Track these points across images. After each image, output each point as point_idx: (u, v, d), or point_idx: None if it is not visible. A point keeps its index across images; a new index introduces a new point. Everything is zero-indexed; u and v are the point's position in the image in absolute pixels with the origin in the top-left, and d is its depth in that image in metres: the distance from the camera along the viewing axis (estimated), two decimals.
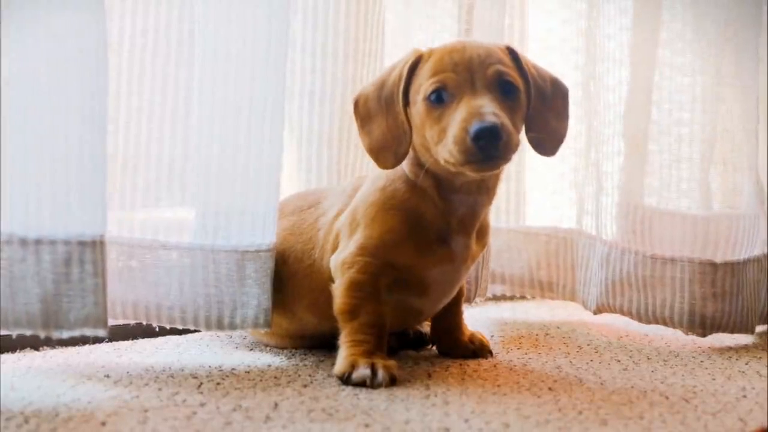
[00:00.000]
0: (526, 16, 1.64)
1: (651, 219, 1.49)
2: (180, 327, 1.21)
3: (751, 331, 1.46)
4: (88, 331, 1.04)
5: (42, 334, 1.03)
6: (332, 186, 1.37)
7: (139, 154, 1.21)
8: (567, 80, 1.59)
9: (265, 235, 1.20)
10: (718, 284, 1.42)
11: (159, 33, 1.21)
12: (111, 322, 1.27)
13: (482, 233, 1.21)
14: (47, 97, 1.03)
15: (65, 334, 1.04)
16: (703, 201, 1.50)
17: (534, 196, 1.71)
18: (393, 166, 1.13)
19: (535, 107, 1.14)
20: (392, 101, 1.13)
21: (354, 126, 1.20)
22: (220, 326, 1.19)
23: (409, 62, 1.12)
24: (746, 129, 1.50)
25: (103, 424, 0.90)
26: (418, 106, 1.10)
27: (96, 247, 1.05)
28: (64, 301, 1.03)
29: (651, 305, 1.45)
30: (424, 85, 1.09)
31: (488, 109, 1.04)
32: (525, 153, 1.66)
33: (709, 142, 1.50)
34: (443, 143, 1.06)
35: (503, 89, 1.08)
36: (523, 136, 1.14)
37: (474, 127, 1.02)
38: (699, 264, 1.42)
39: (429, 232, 1.14)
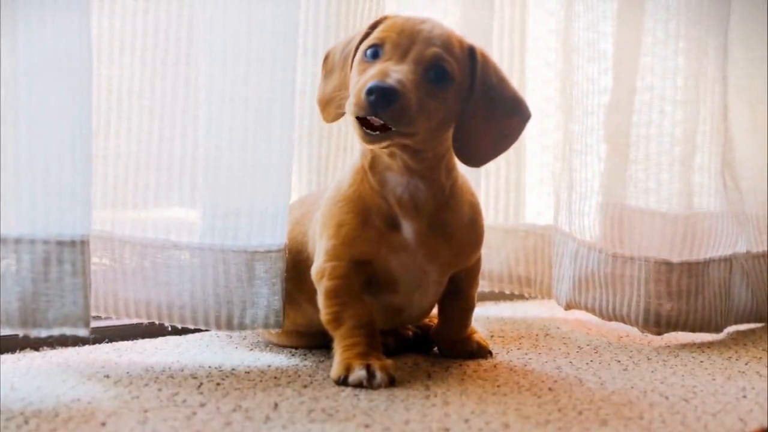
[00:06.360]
0: (526, 18, 1.64)
1: (618, 217, 1.49)
2: (191, 327, 1.21)
3: (717, 331, 1.46)
4: (68, 330, 1.04)
5: (21, 333, 1.03)
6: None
7: (151, 153, 1.21)
8: (558, 79, 1.61)
9: (275, 236, 1.20)
10: (673, 283, 1.42)
11: (170, 32, 1.21)
12: (124, 321, 1.28)
13: (451, 230, 1.15)
14: (28, 97, 1.02)
15: (44, 333, 1.03)
16: (680, 201, 1.49)
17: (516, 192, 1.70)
18: (333, 120, 1.16)
19: (477, 114, 1.11)
20: (348, 56, 1.14)
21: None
22: (230, 326, 1.20)
23: (373, 21, 1.13)
24: (716, 129, 1.50)
25: (103, 424, 0.90)
26: (356, 59, 1.11)
27: (76, 246, 1.04)
28: (42, 300, 1.03)
29: (612, 303, 1.45)
30: (367, 41, 1.10)
31: (396, 75, 1.03)
32: (523, 152, 1.66)
33: (690, 142, 1.49)
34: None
35: (434, 73, 1.07)
36: None
37: (371, 83, 1.02)
38: (655, 263, 1.42)
39: (375, 217, 1.13)
